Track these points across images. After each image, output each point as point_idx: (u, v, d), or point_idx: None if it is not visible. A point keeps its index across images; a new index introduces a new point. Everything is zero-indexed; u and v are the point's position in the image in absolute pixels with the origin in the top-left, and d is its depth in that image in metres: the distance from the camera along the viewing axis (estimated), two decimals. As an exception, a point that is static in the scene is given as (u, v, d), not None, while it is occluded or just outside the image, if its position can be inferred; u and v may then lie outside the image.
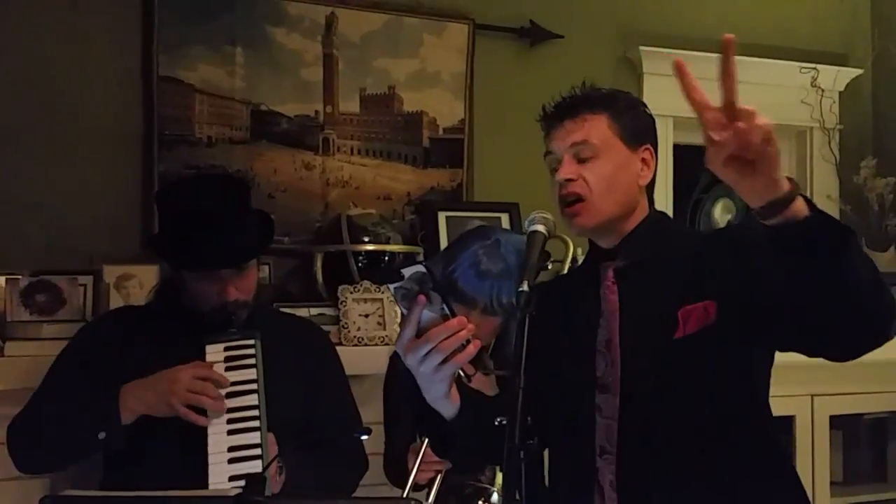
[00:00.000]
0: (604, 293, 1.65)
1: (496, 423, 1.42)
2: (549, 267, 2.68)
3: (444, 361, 1.44)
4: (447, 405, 1.54)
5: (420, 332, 1.44)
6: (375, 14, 3.15)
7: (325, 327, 2.70)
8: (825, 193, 3.82)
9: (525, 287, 1.44)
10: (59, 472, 2.23)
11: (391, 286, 1.44)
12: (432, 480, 2.00)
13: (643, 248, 1.65)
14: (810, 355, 1.50)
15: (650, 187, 1.69)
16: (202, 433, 1.98)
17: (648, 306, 1.61)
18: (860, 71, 3.88)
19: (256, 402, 2.01)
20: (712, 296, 1.57)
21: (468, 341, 1.44)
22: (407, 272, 1.43)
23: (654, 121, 1.72)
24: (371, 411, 2.32)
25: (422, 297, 1.42)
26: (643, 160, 1.66)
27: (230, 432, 1.98)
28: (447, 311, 1.45)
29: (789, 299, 1.37)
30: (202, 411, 1.97)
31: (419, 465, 1.96)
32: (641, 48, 3.52)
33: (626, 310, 1.63)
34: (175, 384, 1.95)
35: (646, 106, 1.72)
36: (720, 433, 1.58)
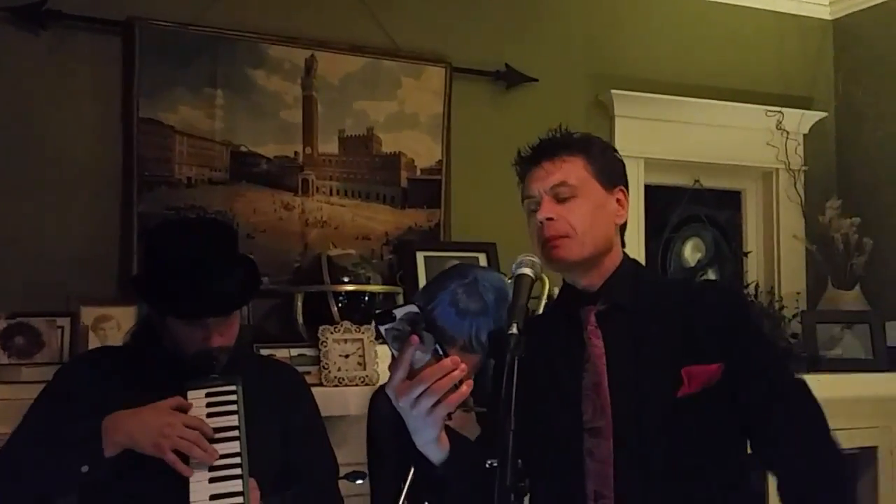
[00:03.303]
0: (587, 337, 1.68)
1: (486, 465, 1.41)
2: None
3: (437, 403, 1.40)
4: (437, 450, 1.50)
5: (412, 374, 1.40)
6: (354, 57, 3.18)
7: (305, 368, 2.69)
8: (791, 233, 3.91)
9: (514, 330, 1.45)
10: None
11: (382, 328, 1.41)
12: None
13: (623, 292, 1.70)
14: None
15: (622, 229, 1.75)
16: (183, 480, 1.93)
17: (642, 355, 1.66)
18: (824, 114, 3.99)
19: (238, 450, 1.97)
20: (718, 359, 1.64)
21: (461, 381, 1.41)
22: (399, 313, 1.40)
23: (624, 165, 1.80)
24: (351, 452, 2.32)
25: (414, 338, 1.39)
26: (618, 200, 1.73)
27: (212, 480, 1.93)
28: (440, 352, 1.42)
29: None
30: (186, 458, 1.94)
31: None
32: (613, 92, 3.58)
33: (612, 354, 1.66)
34: (168, 427, 1.91)
35: (616, 151, 1.80)
36: (712, 475, 1.64)
